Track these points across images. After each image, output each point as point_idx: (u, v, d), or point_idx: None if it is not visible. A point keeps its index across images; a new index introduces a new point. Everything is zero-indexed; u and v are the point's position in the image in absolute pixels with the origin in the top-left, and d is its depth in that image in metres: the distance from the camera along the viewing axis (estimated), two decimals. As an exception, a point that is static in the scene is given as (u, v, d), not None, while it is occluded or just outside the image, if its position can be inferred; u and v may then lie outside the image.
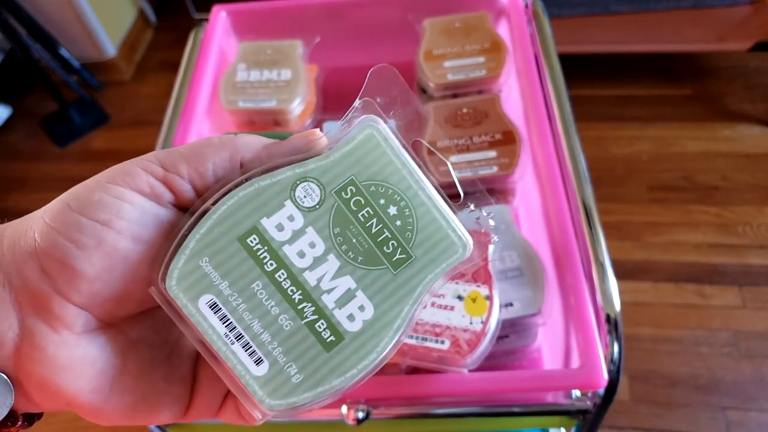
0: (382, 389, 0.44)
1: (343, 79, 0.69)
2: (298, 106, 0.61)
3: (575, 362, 0.46)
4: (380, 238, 0.22)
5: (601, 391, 0.44)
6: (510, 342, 0.50)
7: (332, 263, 0.21)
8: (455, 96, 0.61)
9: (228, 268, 0.20)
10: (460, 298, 0.45)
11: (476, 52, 0.61)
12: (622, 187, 1.34)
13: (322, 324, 0.21)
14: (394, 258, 0.22)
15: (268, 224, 0.21)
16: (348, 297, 0.21)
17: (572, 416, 0.47)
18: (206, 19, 0.69)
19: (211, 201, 0.21)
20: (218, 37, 0.68)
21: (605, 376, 0.43)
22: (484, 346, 0.44)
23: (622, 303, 0.46)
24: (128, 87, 1.74)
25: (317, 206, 0.21)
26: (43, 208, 0.20)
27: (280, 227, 0.21)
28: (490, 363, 0.48)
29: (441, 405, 0.46)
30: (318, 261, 0.21)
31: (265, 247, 0.21)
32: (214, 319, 0.20)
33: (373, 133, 0.22)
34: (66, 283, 0.19)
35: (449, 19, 0.65)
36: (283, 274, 0.21)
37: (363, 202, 0.22)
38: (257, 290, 0.21)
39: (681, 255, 1.22)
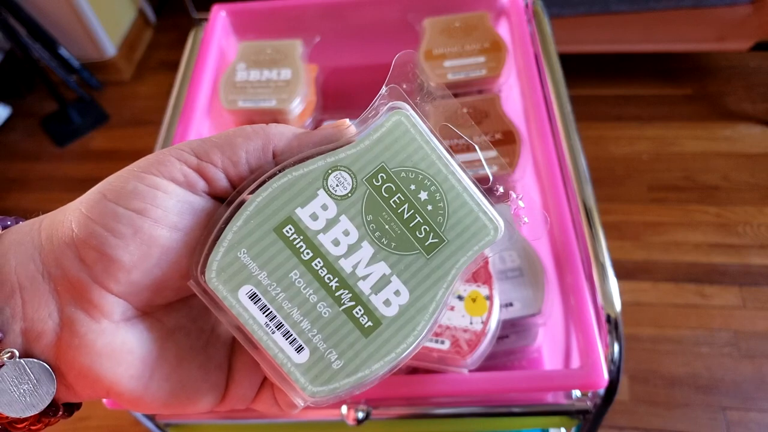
0: (382, 389, 0.44)
1: (343, 79, 0.70)
2: (297, 106, 0.61)
3: (575, 362, 0.46)
4: (412, 224, 0.22)
5: (602, 391, 0.44)
6: (510, 342, 0.50)
7: (366, 250, 0.22)
8: (455, 96, 0.60)
9: (266, 259, 0.21)
10: (460, 298, 0.45)
11: (476, 51, 0.61)
12: (622, 186, 1.34)
13: (360, 310, 0.21)
14: (427, 243, 0.22)
15: (303, 214, 0.21)
16: (383, 282, 0.22)
17: (572, 416, 0.47)
18: (206, 19, 0.69)
19: (246, 192, 0.21)
20: (218, 36, 0.67)
21: (605, 376, 0.43)
22: (485, 346, 0.44)
23: (623, 303, 0.45)
24: (128, 87, 1.74)
25: (349, 194, 0.22)
26: (79, 198, 0.21)
27: (314, 216, 0.21)
28: (490, 363, 0.48)
29: (441, 405, 0.46)
30: (352, 248, 0.21)
31: (301, 237, 0.21)
32: (254, 309, 0.21)
33: (401, 119, 0.22)
34: (103, 272, 0.19)
35: (449, 18, 0.65)
36: (319, 262, 0.21)
37: (394, 189, 0.22)
38: (295, 279, 0.21)
39: (681, 255, 1.22)
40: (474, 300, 0.45)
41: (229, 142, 0.21)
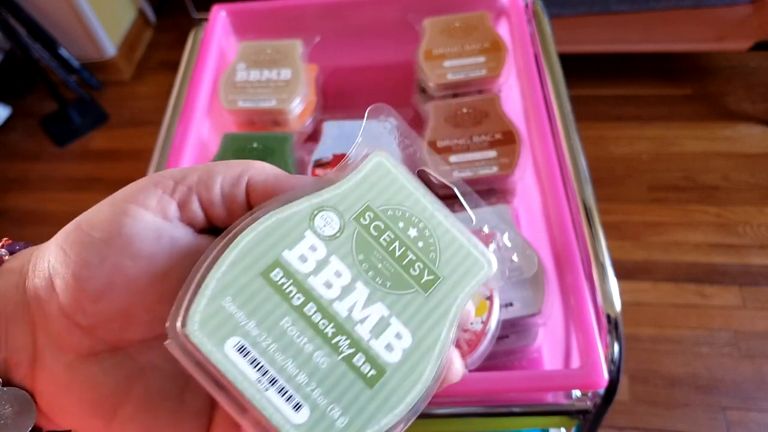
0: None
1: (343, 79, 0.70)
2: (297, 106, 0.61)
3: (575, 362, 0.46)
4: (405, 261, 0.21)
5: (601, 391, 0.44)
6: (510, 342, 0.50)
7: (361, 291, 0.20)
8: (455, 96, 0.60)
9: (254, 306, 0.19)
10: (460, 298, 0.45)
11: (476, 51, 0.61)
12: (622, 186, 1.34)
13: (361, 357, 0.19)
14: (423, 280, 0.21)
15: (291, 256, 0.20)
16: (383, 325, 0.20)
17: (572, 416, 0.47)
18: (206, 19, 0.69)
19: (229, 237, 0.20)
20: (218, 36, 0.68)
21: (605, 376, 0.43)
22: (485, 346, 0.44)
23: (622, 303, 0.45)
24: (128, 87, 1.74)
25: (338, 234, 0.21)
26: (63, 228, 0.21)
27: (303, 258, 0.20)
28: (490, 363, 0.48)
29: (441, 405, 0.46)
30: (346, 290, 0.20)
31: (290, 281, 0.20)
32: (243, 364, 0.18)
33: (381, 161, 0.22)
34: (71, 302, 0.19)
35: (449, 18, 0.65)
36: (312, 307, 0.20)
37: (383, 227, 0.21)
38: (287, 327, 0.19)
39: (681, 255, 1.22)
40: (474, 300, 0.45)
41: (208, 168, 0.21)
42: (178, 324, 0.18)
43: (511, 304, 0.47)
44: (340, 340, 0.19)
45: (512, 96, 0.62)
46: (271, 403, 0.18)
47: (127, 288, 0.19)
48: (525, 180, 0.56)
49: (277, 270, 0.20)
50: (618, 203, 1.31)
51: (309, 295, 0.20)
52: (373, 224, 0.21)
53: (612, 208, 1.29)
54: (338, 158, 0.56)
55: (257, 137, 0.58)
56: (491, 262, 0.22)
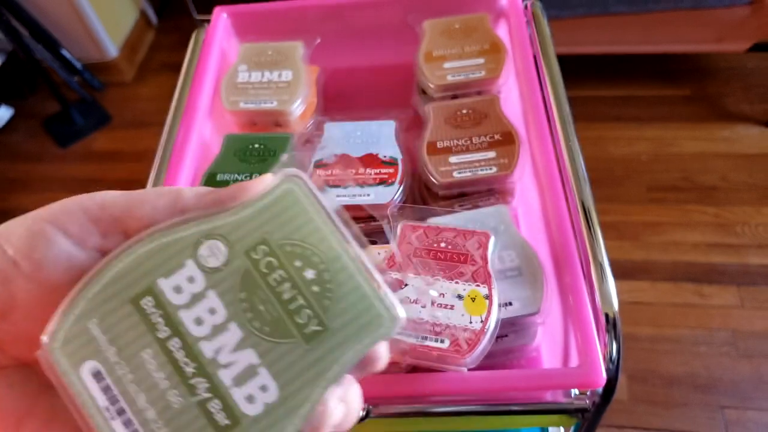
0: (381, 388, 0.44)
1: (343, 80, 0.70)
2: (298, 107, 0.61)
3: (574, 361, 0.46)
4: (292, 306, 0.19)
5: (600, 390, 0.44)
6: (509, 341, 0.50)
7: (234, 333, 0.19)
8: (455, 97, 0.61)
9: (117, 332, 0.18)
10: (459, 297, 0.46)
11: (476, 53, 0.62)
12: (621, 187, 1.34)
13: (217, 404, 0.18)
14: (307, 330, 0.19)
15: (166, 285, 0.18)
16: (249, 374, 0.18)
17: (571, 415, 0.47)
18: (208, 21, 0.70)
19: (109, 257, 0.19)
20: (219, 38, 0.68)
21: (604, 375, 0.43)
22: (484, 345, 0.44)
23: (621, 302, 0.46)
24: (130, 88, 1.74)
25: (223, 267, 0.19)
26: None
27: (178, 289, 0.19)
28: (489, 362, 0.48)
29: (440, 403, 0.46)
30: (217, 330, 0.18)
31: (160, 311, 0.18)
32: (95, 390, 0.18)
33: (292, 188, 0.20)
34: None
35: (449, 20, 0.65)
36: (177, 342, 0.18)
37: (276, 264, 0.19)
38: (146, 359, 0.18)
39: (680, 255, 1.23)
40: (473, 299, 0.46)
41: (141, 196, 0.20)
42: (46, 339, 0.18)
43: (510, 304, 0.47)
44: (198, 382, 0.18)
45: (511, 97, 0.62)
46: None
47: (28, 313, 0.19)
48: (524, 180, 0.56)
49: (149, 298, 0.18)
50: (617, 203, 1.31)
51: (176, 330, 0.18)
52: (265, 260, 0.19)
53: (611, 209, 1.30)
54: (339, 158, 0.57)
55: (258, 138, 0.59)
56: (396, 318, 0.19)
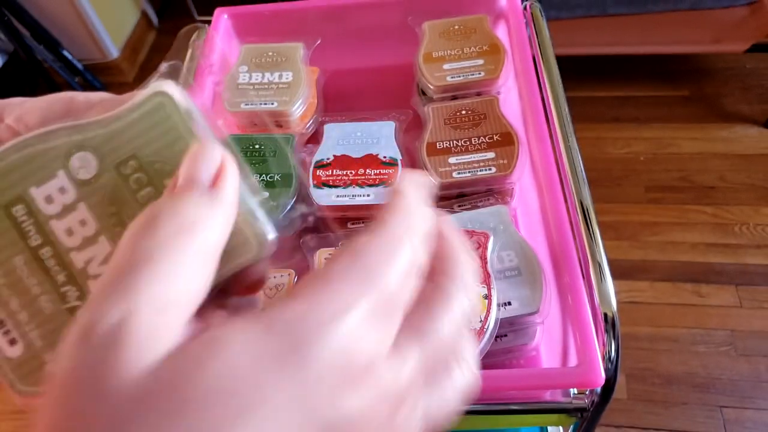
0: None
1: (344, 81, 0.70)
2: (299, 108, 0.62)
3: (573, 361, 0.47)
4: None
5: (599, 389, 0.44)
6: (508, 341, 0.50)
7: (103, 246, 0.19)
8: (454, 98, 0.61)
9: None
10: (459, 297, 0.46)
11: (475, 54, 0.62)
12: (620, 187, 1.34)
13: None
14: None
15: (37, 194, 0.18)
16: None
17: (570, 414, 0.47)
18: (208, 22, 0.70)
19: None
20: (220, 39, 0.68)
21: (602, 374, 0.43)
22: (483, 344, 0.44)
23: (620, 302, 0.46)
24: (131, 88, 1.71)
25: (93, 180, 0.19)
26: None
27: (49, 199, 0.19)
28: (488, 361, 0.49)
29: (441, 402, 0.46)
30: (88, 242, 0.19)
31: (32, 220, 0.18)
32: None
33: (163, 102, 0.19)
34: None
35: (448, 21, 0.66)
36: (48, 251, 0.19)
37: (145, 181, 0.19)
38: (19, 265, 0.18)
39: (678, 254, 1.23)
40: (473, 299, 0.46)
41: (35, 102, 0.20)
42: None
43: (509, 303, 0.48)
44: (69, 290, 0.19)
45: (510, 98, 0.63)
46: None
47: None
48: (523, 181, 0.56)
49: (21, 206, 0.18)
50: (615, 203, 1.31)
51: (47, 239, 0.19)
52: (134, 176, 0.19)
53: (609, 209, 1.30)
54: (338, 159, 0.57)
55: (259, 139, 0.59)
56: (264, 244, 0.19)
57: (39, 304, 0.18)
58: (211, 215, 0.17)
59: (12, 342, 0.18)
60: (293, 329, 0.14)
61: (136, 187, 0.19)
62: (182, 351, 0.14)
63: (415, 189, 0.19)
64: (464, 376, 0.19)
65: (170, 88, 0.19)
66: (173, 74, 0.20)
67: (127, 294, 0.14)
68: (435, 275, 0.18)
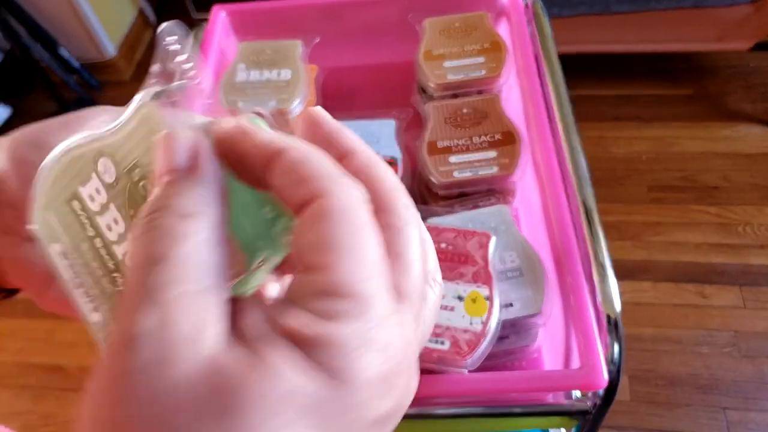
0: (382, 390, 0.44)
1: (342, 79, 0.70)
2: (298, 106, 0.61)
3: (575, 363, 0.46)
4: None
5: (601, 391, 0.44)
6: (510, 342, 0.50)
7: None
8: (455, 96, 0.60)
9: (65, 225, 0.21)
10: (460, 298, 0.45)
11: (476, 52, 0.61)
12: (622, 187, 1.34)
13: None
14: None
15: (84, 192, 0.21)
16: None
17: (573, 417, 0.47)
18: (206, 19, 0.69)
19: (52, 157, 0.21)
20: (218, 37, 0.68)
21: (605, 376, 0.43)
22: (484, 346, 0.44)
23: (622, 303, 0.45)
24: (128, 87, 1.74)
25: (115, 183, 0.21)
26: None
27: (91, 198, 0.21)
28: (490, 363, 0.48)
29: (441, 405, 0.46)
30: (122, 238, 0.21)
31: (85, 214, 0.21)
32: (63, 265, 0.21)
33: (149, 114, 0.20)
34: (18, 197, 0.24)
35: (449, 19, 0.65)
36: (100, 241, 0.21)
37: (150, 187, 0.20)
38: (84, 250, 0.21)
39: (681, 255, 1.22)
40: (474, 300, 0.45)
41: (87, 112, 0.24)
42: (29, 225, 0.21)
43: (511, 305, 0.47)
44: (117, 277, 0.21)
45: (512, 96, 0.62)
46: (79, 298, 0.21)
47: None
48: (525, 180, 0.56)
49: (77, 201, 0.21)
50: (618, 203, 1.31)
51: (98, 231, 0.21)
52: (142, 183, 0.20)
53: (612, 209, 1.29)
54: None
55: (257, 138, 0.58)
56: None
57: (102, 284, 0.21)
58: (199, 194, 0.17)
59: (94, 309, 0.21)
60: (338, 362, 0.15)
61: (144, 193, 0.20)
62: (227, 363, 0.15)
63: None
64: (435, 293, 0.20)
65: (150, 99, 0.20)
66: (166, 76, 0.21)
67: (154, 298, 0.15)
68: (379, 215, 0.18)
